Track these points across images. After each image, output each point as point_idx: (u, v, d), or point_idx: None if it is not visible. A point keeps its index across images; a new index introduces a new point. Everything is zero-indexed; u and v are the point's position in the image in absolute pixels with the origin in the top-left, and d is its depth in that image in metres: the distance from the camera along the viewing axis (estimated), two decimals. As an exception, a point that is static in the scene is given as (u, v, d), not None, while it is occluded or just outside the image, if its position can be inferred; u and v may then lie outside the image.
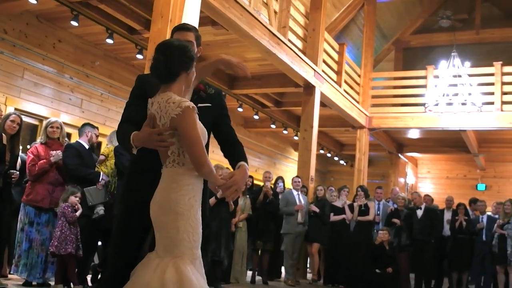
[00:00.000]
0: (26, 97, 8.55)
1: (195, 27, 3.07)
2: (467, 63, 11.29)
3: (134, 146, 2.57)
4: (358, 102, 12.85)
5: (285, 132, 13.90)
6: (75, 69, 9.33)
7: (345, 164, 18.01)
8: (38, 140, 5.84)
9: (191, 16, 6.16)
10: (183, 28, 3.02)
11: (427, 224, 8.99)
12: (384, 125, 13.18)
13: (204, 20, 7.58)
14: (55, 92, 9.05)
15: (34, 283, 5.53)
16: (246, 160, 2.88)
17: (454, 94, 11.15)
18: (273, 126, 13.19)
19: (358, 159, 13.13)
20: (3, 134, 5.34)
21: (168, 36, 6.01)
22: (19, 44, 8.38)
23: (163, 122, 2.54)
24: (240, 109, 11.75)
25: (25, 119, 8.57)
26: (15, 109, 8.26)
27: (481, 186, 17.14)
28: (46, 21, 8.71)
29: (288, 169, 16.95)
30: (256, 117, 12.36)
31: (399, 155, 16.29)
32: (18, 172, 5.48)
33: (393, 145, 15.68)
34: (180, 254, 2.55)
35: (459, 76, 11.25)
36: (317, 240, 8.95)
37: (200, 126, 2.59)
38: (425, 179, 18.43)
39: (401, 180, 16.74)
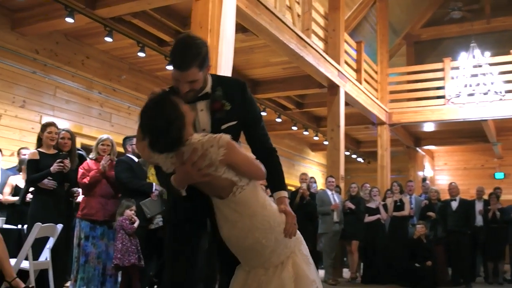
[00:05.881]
0: (59, 114, 8.66)
1: (196, 54, 2.46)
2: (487, 53, 11.37)
3: (180, 188, 2.46)
4: (377, 99, 12.93)
5: (305, 133, 13.99)
6: (103, 84, 9.45)
7: (362, 161, 18.08)
8: (90, 156, 5.93)
9: (228, 25, 6.26)
10: (180, 67, 2.46)
11: (463, 216, 9.04)
12: (404, 120, 13.25)
13: (235, 27, 7.68)
14: (85, 108, 9.16)
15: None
16: (280, 183, 2.71)
17: (476, 84, 11.21)
18: (294, 128, 13.28)
19: (380, 155, 13.18)
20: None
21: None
22: (50, 63, 8.50)
23: (212, 169, 2.42)
24: (263, 113, 11.86)
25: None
26: (50, 127, 8.38)
27: (499, 175, 17.12)
28: (74, 39, 8.83)
29: (305, 170, 17.01)
30: (278, 120, 12.47)
31: (417, 149, 16.35)
32: (80, 190, 5.57)
33: (410, 139, 15.75)
34: (289, 252, 2.58)
35: (480, 66, 11.31)
36: (355, 237, 9.03)
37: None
38: (442, 171, 18.44)
39: (420, 173, 16.80)
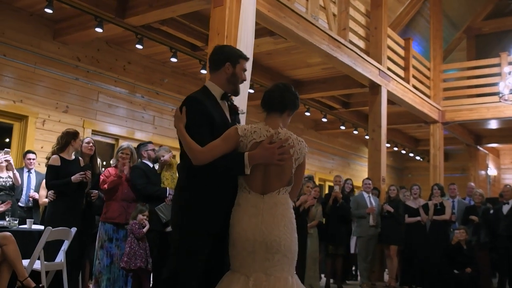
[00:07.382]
0: (102, 118, 9.05)
1: None
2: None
3: (249, 166, 2.78)
4: (429, 97, 12.53)
5: (355, 132, 13.79)
6: (145, 88, 9.76)
7: (421, 159, 17.55)
8: (111, 162, 6.21)
9: (246, 31, 6.28)
10: (247, 57, 3.25)
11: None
12: (458, 118, 12.75)
13: (262, 31, 7.71)
14: (128, 112, 9.50)
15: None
16: None
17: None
18: (342, 127, 13.13)
19: (433, 154, 12.79)
20: (80, 158, 5.76)
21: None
22: (92, 70, 8.89)
23: (296, 157, 2.92)
24: (307, 113, 11.82)
25: (103, 139, 9.13)
26: (92, 131, 8.81)
27: None
28: (115, 45, 9.19)
29: (363, 169, 16.75)
30: (324, 119, 12.37)
31: (478, 147, 15.65)
32: (97, 191, 5.86)
33: (470, 137, 15.10)
34: (293, 271, 2.84)
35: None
36: (393, 242, 8.78)
37: None
38: (509, 170, 17.56)
39: (482, 172, 16.08)
